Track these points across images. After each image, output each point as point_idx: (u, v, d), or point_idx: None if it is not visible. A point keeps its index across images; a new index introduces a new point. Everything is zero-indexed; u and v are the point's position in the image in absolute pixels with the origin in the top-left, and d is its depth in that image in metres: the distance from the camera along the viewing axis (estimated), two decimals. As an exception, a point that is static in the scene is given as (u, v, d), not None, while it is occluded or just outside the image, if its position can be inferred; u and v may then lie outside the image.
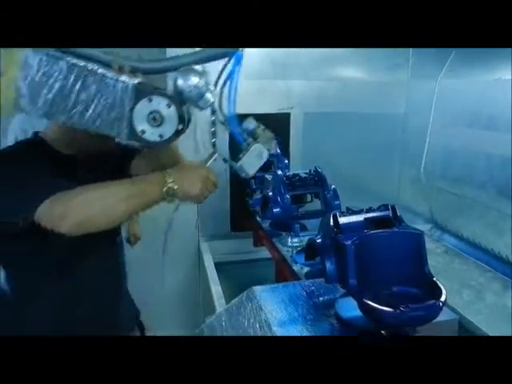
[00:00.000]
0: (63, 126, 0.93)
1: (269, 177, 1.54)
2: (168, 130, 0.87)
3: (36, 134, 1.01)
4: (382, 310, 0.73)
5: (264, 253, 1.80)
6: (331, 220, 0.87)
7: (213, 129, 0.96)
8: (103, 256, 1.09)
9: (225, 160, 0.97)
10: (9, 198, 0.86)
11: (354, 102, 2.06)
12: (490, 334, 1.25)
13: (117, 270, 1.14)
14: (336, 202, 1.38)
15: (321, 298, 0.97)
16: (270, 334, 0.84)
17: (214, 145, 0.97)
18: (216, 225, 2.09)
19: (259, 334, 0.86)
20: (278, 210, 1.38)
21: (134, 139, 0.87)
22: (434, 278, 0.80)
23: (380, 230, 0.84)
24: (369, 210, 0.91)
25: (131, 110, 0.85)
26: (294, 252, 1.37)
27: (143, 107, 0.85)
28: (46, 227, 0.83)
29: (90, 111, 0.84)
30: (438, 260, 1.83)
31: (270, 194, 1.40)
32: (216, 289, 1.58)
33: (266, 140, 0.96)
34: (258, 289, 1.01)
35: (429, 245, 1.94)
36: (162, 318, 1.49)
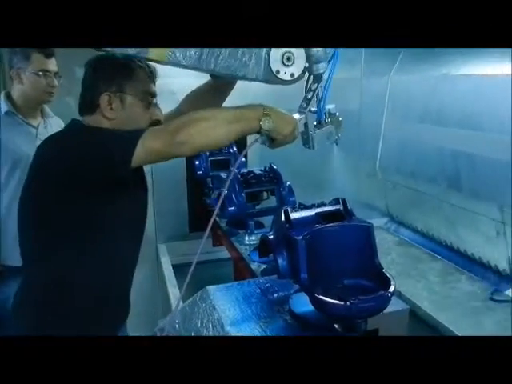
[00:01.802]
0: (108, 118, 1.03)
1: (224, 175, 1.52)
2: (298, 68, 0.96)
3: (77, 120, 1.07)
4: (333, 304, 0.73)
5: (224, 252, 1.78)
6: (283, 215, 0.87)
7: (309, 96, 1.03)
8: (138, 235, 1.17)
9: (305, 125, 1.04)
10: (112, 145, 0.94)
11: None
12: (441, 321, 1.29)
13: (138, 252, 1.20)
14: (291, 199, 1.39)
15: (275, 295, 0.96)
16: (222, 334, 0.82)
17: (303, 109, 1.04)
18: (174, 225, 2.05)
19: (211, 334, 0.84)
20: (233, 208, 1.36)
21: (270, 79, 0.96)
22: (384, 270, 0.81)
23: (330, 224, 0.84)
24: (320, 205, 0.91)
25: (268, 52, 0.94)
26: (251, 250, 1.36)
27: (278, 49, 0.94)
28: (160, 154, 0.93)
29: (234, 58, 0.93)
30: (393, 252, 1.87)
31: (225, 192, 1.38)
32: (173, 291, 1.55)
33: (338, 127, 1.07)
34: (211, 288, 1.00)
35: (385, 237, 1.98)
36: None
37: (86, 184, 0.95)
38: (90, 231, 1.02)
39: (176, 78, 1.39)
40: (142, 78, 1.05)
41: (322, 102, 1.03)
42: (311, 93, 1.02)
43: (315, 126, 1.05)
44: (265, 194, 1.49)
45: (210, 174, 1.81)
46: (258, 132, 0.96)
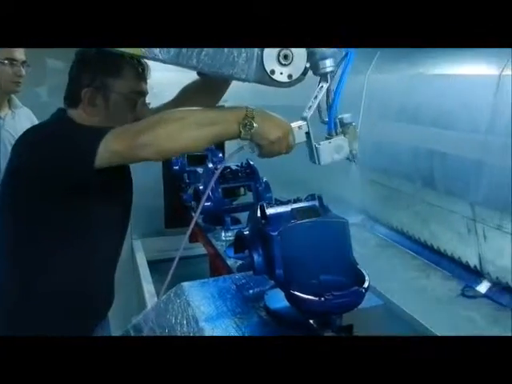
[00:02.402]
0: (95, 114, 0.98)
1: (200, 170, 1.51)
2: (297, 68, 0.84)
3: (62, 110, 1.02)
4: (307, 299, 0.73)
5: (201, 249, 1.77)
6: (258, 211, 0.86)
7: (313, 100, 0.89)
8: (117, 232, 1.12)
9: (307, 134, 0.90)
10: (74, 145, 0.89)
11: (288, 95, 2.07)
12: (415, 317, 1.31)
13: (120, 248, 1.16)
14: (268, 195, 1.38)
15: (251, 291, 0.96)
16: (196, 330, 0.81)
17: (306, 116, 0.90)
18: (149, 221, 2.02)
19: (186, 331, 0.83)
20: (209, 203, 1.35)
21: (262, 80, 0.84)
22: (358, 266, 0.81)
23: (305, 220, 0.83)
24: (296, 201, 0.91)
25: (261, 49, 0.82)
26: (227, 246, 1.35)
27: None
28: (123, 156, 0.86)
29: (220, 54, 0.82)
30: (369, 249, 1.89)
31: (201, 187, 1.37)
32: (148, 288, 1.53)
33: (353, 140, 0.92)
34: (186, 284, 0.98)
35: (361, 234, 2.00)
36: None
37: (59, 181, 0.91)
38: (67, 229, 0.99)
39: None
40: (131, 75, 1.00)
41: (331, 110, 0.89)
42: (316, 96, 0.89)
43: (326, 137, 0.91)
44: (242, 190, 1.49)
45: (187, 169, 1.80)
46: (239, 137, 0.85)
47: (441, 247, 1.68)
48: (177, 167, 1.78)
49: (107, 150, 0.84)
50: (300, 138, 0.90)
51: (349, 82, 2.32)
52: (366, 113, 2.02)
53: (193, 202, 1.60)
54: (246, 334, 0.79)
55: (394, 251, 1.88)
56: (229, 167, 1.43)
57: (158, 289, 1.56)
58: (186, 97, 1.13)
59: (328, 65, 0.86)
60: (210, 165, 1.42)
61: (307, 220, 0.83)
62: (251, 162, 1.44)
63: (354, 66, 2.19)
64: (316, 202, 0.89)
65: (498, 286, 1.44)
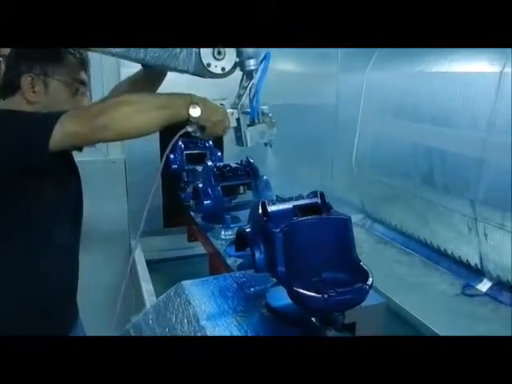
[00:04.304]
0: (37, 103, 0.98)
1: (199, 168, 1.50)
2: (228, 62, 0.99)
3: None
4: (310, 296, 0.72)
5: (200, 248, 1.75)
6: (260, 208, 0.85)
7: (241, 92, 1.06)
8: (71, 228, 1.11)
9: (238, 120, 1.06)
10: (27, 129, 0.88)
11: (286, 93, 2.05)
12: (417, 316, 1.30)
13: (77, 251, 1.16)
14: (268, 193, 1.37)
15: (252, 289, 0.95)
16: (198, 329, 0.80)
17: (236, 105, 1.06)
18: (147, 220, 2.00)
19: (187, 330, 0.82)
20: (208, 201, 1.34)
21: (200, 72, 0.99)
22: (361, 263, 0.81)
23: (308, 217, 0.83)
24: (298, 198, 0.90)
25: None
26: (227, 244, 1.34)
27: None
28: (81, 137, 0.89)
29: (164, 50, 0.94)
30: (368, 248, 1.88)
31: (201, 185, 1.36)
32: (147, 287, 1.51)
33: (271, 126, 1.10)
34: (186, 283, 0.97)
35: (360, 235, 1.99)
36: (90, 319, 1.39)
37: (11, 166, 0.89)
38: (11, 223, 0.97)
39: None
40: (71, 63, 1.01)
41: (254, 101, 1.05)
42: (244, 89, 1.05)
43: (249, 124, 1.07)
44: (241, 188, 1.47)
45: (186, 167, 1.78)
46: (187, 120, 0.95)
47: (441, 246, 1.68)
48: (175, 166, 1.77)
49: (63, 132, 0.85)
50: (232, 122, 1.06)
51: (348, 80, 2.32)
52: (366, 111, 2.02)
53: (192, 201, 1.58)
54: (248, 332, 0.78)
55: (394, 250, 1.88)
56: (228, 165, 1.41)
57: (156, 288, 1.55)
58: (128, 88, 1.19)
59: (252, 64, 1.02)
60: (210, 163, 1.41)
61: (310, 217, 0.82)
62: (251, 160, 1.43)
63: (354, 64, 2.19)
64: (318, 199, 0.89)
65: (499, 285, 1.44)
